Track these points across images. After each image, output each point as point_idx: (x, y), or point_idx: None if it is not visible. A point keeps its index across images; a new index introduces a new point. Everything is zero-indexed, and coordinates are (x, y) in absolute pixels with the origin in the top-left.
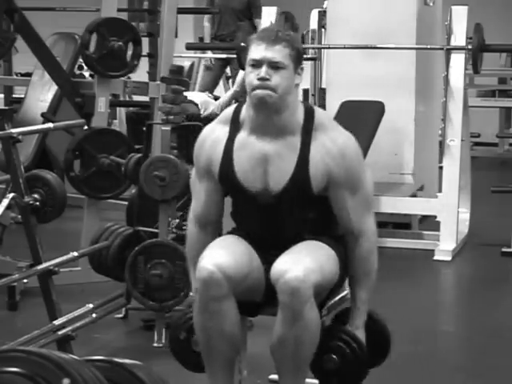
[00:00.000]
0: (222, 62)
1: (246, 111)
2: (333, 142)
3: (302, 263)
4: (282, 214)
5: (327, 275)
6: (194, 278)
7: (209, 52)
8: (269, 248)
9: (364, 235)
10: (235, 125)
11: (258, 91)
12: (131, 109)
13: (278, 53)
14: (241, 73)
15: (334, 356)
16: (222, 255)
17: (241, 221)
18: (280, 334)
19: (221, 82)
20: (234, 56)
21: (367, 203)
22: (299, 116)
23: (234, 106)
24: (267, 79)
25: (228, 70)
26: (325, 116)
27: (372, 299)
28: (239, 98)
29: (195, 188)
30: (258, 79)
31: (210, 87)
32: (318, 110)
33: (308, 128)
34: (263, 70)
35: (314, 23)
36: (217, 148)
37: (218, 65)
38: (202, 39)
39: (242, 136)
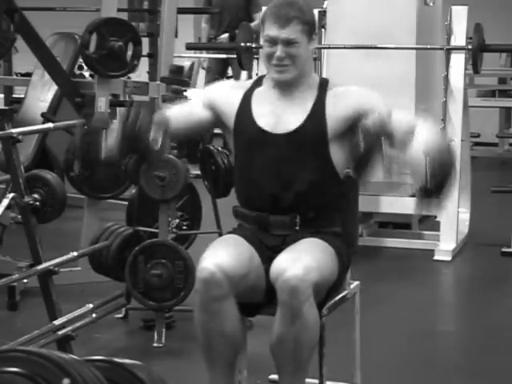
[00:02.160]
0: (222, 62)
1: (266, 78)
2: (348, 88)
3: (302, 262)
4: (288, 163)
5: (326, 274)
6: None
7: (204, 52)
8: (269, 216)
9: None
10: (256, 83)
11: (276, 75)
12: None
13: (291, 31)
14: (243, 74)
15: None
16: (223, 255)
17: (244, 179)
18: (279, 332)
19: None
20: (235, 56)
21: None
22: (315, 79)
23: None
24: (283, 58)
25: (229, 70)
26: (338, 81)
27: (372, 298)
28: None
29: (186, 104)
30: (276, 59)
31: None
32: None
33: (323, 84)
34: (279, 49)
35: None
36: (236, 94)
37: (218, 65)
38: (200, 39)
39: (262, 88)
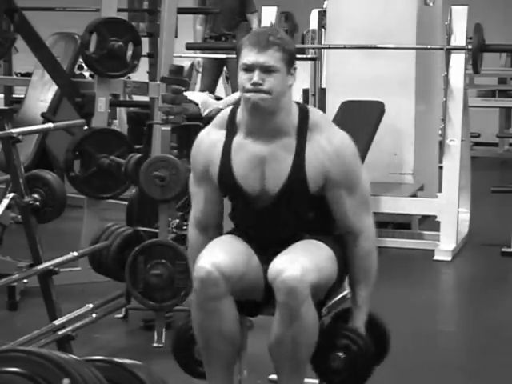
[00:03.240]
0: (218, 62)
1: (240, 114)
2: (328, 141)
3: (300, 262)
4: (280, 215)
5: (325, 275)
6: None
7: (198, 52)
8: (267, 247)
9: (363, 234)
10: (231, 128)
11: (252, 96)
12: (131, 109)
13: (270, 57)
14: None
15: (341, 354)
16: (220, 255)
17: (239, 222)
18: (277, 333)
19: (220, 81)
20: (233, 56)
21: (365, 203)
22: (294, 117)
23: (228, 109)
24: (260, 84)
25: (225, 69)
26: (319, 116)
27: (372, 299)
28: None
29: (193, 192)
30: (252, 84)
31: (210, 88)
32: (312, 110)
33: (303, 128)
34: (256, 75)
35: (314, 23)
36: (214, 151)
37: (214, 65)
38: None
39: (239, 139)
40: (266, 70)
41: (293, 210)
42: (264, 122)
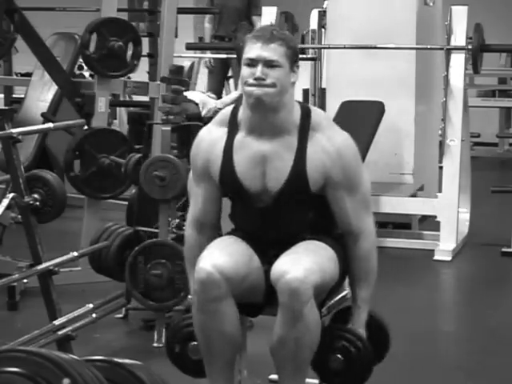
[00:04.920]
0: (223, 63)
1: (242, 112)
2: (330, 140)
3: (302, 264)
4: (281, 214)
5: (327, 276)
6: (192, 280)
7: (208, 52)
8: (268, 248)
9: (363, 235)
10: (233, 125)
11: (255, 90)
12: (132, 109)
13: (273, 51)
14: None
15: (340, 356)
16: (221, 256)
17: (240, 222)
18: (280, 334)
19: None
20: (235, 57)
21: (365, 203)
22: (296, 115)
23: (230, 108)
24: (263, 79)
25: (230, 70)
26: (321, 115)
27: (372, 299)
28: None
29: (192, 191)
30: (254, 79)
31: (217, 90)
32: (314, 110)
33: (305, 127)
34: (259, 70)
35: (313, 23)
36: (215, 148)
37: (219, 66)
38: (201, 39)
39: (240, 136)
40: (270, 64)
41: (294, 209)
42: (266, 119)
